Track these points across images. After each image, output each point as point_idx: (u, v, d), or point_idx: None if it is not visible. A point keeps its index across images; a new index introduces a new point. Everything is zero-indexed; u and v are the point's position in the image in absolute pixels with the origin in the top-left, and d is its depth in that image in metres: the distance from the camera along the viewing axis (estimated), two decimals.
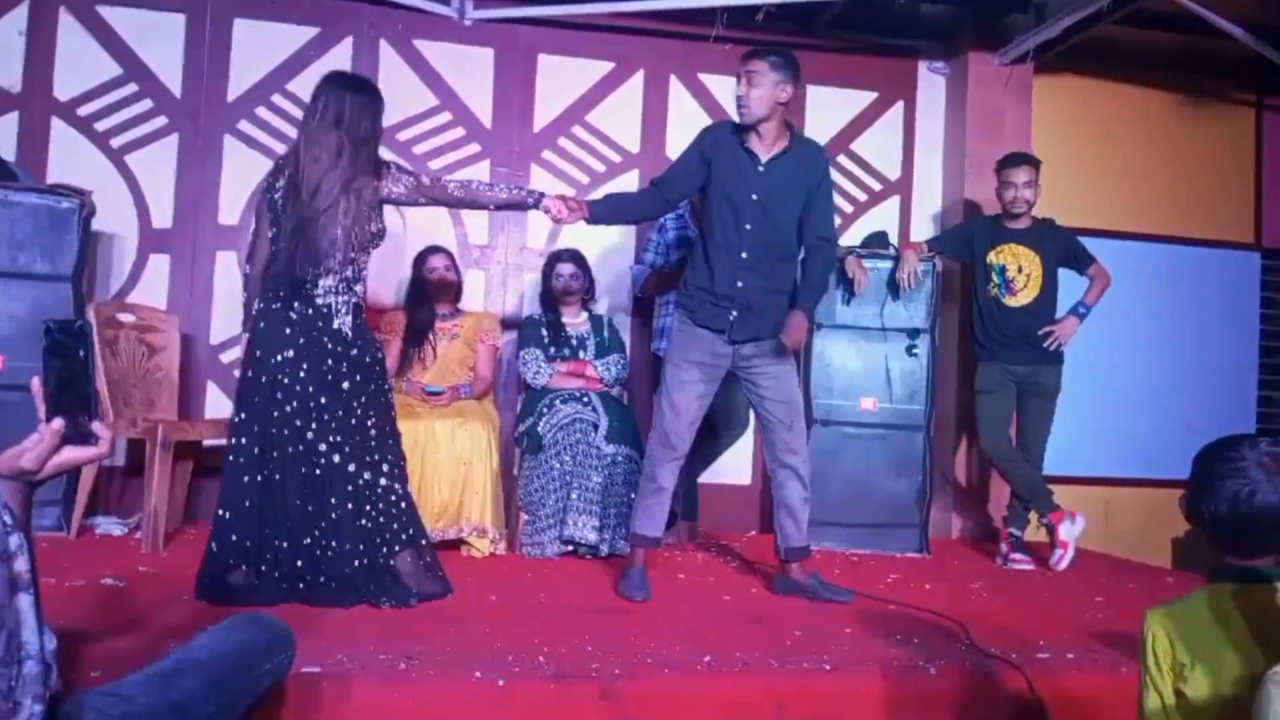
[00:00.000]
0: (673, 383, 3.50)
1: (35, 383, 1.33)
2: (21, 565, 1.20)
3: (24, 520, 1.31)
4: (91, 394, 1.35)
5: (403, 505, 3.22)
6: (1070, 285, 4.51)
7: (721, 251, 3.43)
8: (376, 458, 3.18)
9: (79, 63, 4.64)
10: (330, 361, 3.12)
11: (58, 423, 1.31)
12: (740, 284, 3.41)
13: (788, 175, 3.40)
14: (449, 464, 3.97)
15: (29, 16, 4.61)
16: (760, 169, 3.39)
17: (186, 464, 4.22)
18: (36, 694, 1.20)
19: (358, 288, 3.21)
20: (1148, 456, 5.43)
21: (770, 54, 3.34)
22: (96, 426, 1.35)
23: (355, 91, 3.19)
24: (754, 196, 3.38)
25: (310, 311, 3.11)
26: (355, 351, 3.17)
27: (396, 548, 3.17)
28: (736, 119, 3.41)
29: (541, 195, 3.39)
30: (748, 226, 3.40)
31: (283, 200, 3.14)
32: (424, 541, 3.27)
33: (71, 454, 1.34)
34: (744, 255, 3.41)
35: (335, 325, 3.13)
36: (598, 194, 4.38)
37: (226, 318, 4.68)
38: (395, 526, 3.18)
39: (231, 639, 1.75)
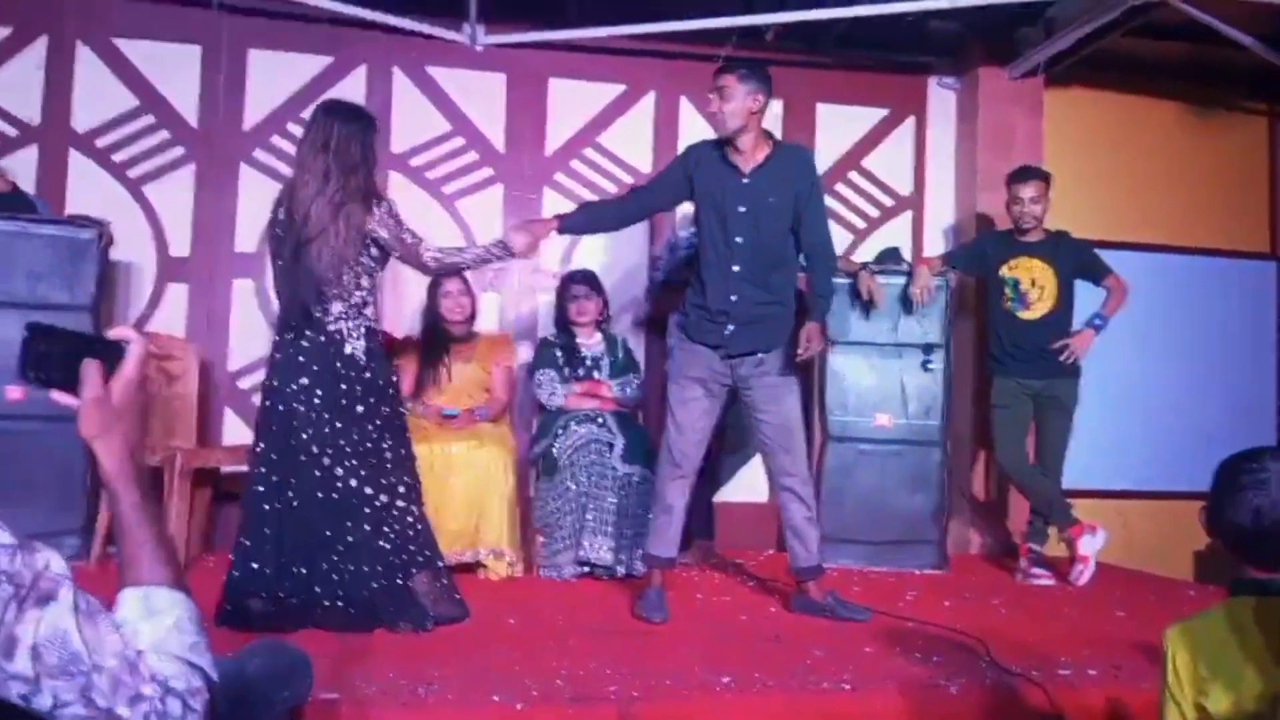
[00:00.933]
0: (676, 401, 3.51)
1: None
2: (51, 581, 1.18)
3: (134, 476, 1.31)
4: (94, 338, 1.33)
5: (419, 528, 3.24)
6: (1089, 297, 4.50)
7: (714, 267, 3.45)
8: (392, 480, 3.21)
9: (96, 95, 4.70)
10: (344, 386, 3.15)
11: (90, 363, 1.28)
12: (734, 298, 3.42)
13: (773, 183, 3.40)
14: (465, 487, 3.98)
15: (47, 50, 4.67)
16: (745, 180, 3.40)
17: (205, 491, 4.24)
18: (128, 697, 1.19)
19: (369, 311, 3.24)
20: (1166, 469, 5.39)
21: (738, 67, 3.38)
22: (114, 333, 1.33)
23: (345, 119, 3.23)
24: (741, 209, 3.40)
25: (323, 339, 3.15)
26: (369, 375, 3.20)
27: (413, 570, 3.18)
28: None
29: (506, 246, 3.38)
30: (738, 239, 3.41)
31: (283, 231, 3.19)
32: (440, 564, 3.29)
33: (125, 370, 1.30)
34: (735, 269, 3.42)
35: (348, 351, 3.16)
36: None
37: (244, 345, 4.72)
38: (412, 548, 3.19)
39: (250, 665, 1.75)
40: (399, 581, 3.13)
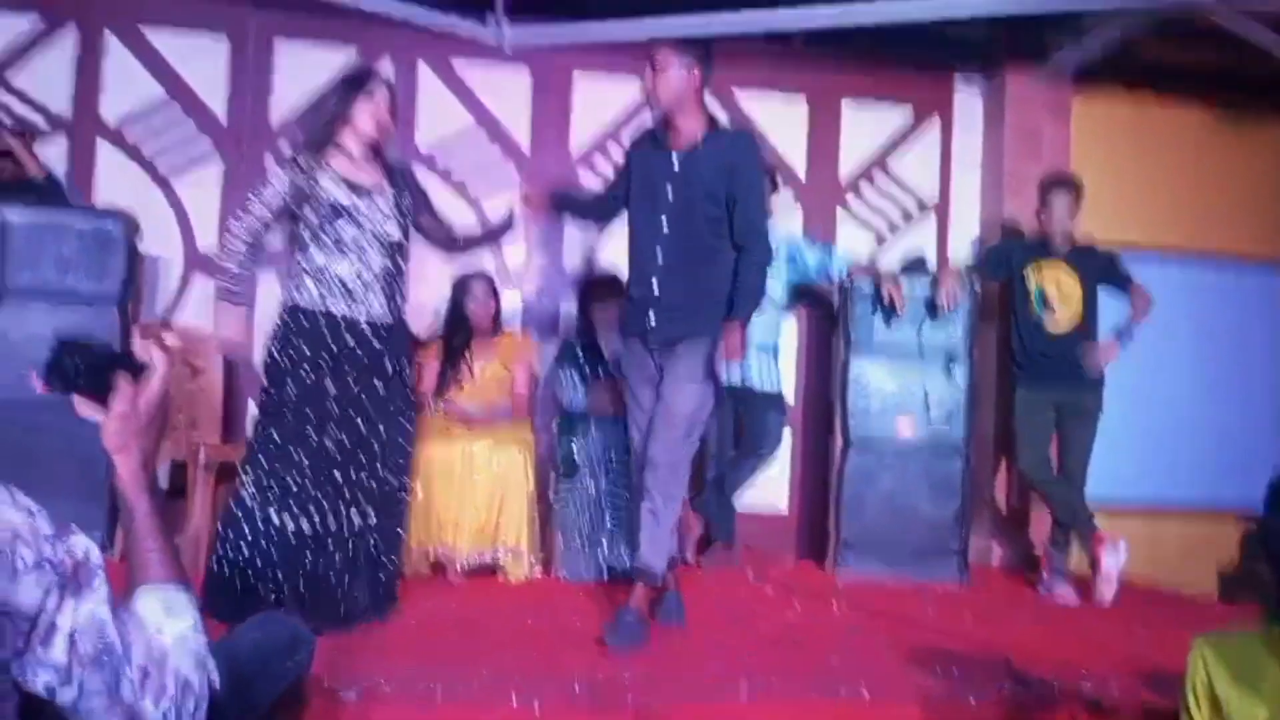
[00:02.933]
0: (632, 406, 3.37)
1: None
2: (89, 570, 1.18)
3: (148, 485, 1.34)
4: (120, 354, 1.35)
5: (268, 533, 3.04)
6: (1110, 308, 4.46)
7: (639, 254, 3.31)
8: (264, 481, 3.08)
9: (125, 86, 4.73)
10: None
11: (125, 379, 1.31)
12: (657, 285, 3.23)
13: (705, 165, 3.18)
14: (485, 487, 3.97)
15: (76, 39, 4.71)
16: (676, 161, 3.22)
17: (229, 485, 4.25)
18: (153, 691, 1.20)
19: (306, 283, 3.16)
20: (1190, 482, 5.33)
21: (673, 42, 3.28)
22: (140, 350, 1.35)
23: (337, 82, 3.32)
24: (670, 191, 3.22)
25: None
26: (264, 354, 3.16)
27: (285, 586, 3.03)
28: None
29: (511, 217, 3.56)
30: (664, 225, 3.23)
31: None
32: (302, 589, 3.04)
33: (152, 388, 1.34)
34: (660, 254, 3.23)
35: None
36: None
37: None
38: (272, 564, 3.05)
39: (252, 637, 1.75)
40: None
